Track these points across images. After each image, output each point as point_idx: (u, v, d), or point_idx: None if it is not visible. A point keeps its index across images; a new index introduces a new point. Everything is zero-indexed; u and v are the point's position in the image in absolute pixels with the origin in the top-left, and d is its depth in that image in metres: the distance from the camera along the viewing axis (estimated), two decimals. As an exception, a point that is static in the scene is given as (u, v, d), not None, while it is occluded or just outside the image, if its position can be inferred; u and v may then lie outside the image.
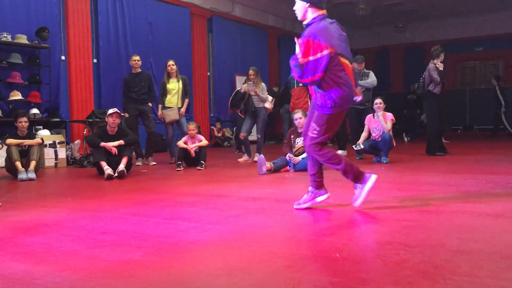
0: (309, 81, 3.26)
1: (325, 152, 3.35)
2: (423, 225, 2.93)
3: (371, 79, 7.80)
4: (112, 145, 6.17)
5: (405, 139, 12.32)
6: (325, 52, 3.16)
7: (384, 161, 6.80)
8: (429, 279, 1.93)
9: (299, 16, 3.40)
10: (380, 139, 6.88)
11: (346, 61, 3.29)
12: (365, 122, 7.20)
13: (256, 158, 7.11)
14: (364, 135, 7.14)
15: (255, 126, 7.78)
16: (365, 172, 3.41)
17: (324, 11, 3.34)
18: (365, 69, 7.94)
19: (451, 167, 6.34)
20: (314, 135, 3.35)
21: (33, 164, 6.15)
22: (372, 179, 3.37)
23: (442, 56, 7.77)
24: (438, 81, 7.57)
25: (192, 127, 7.06)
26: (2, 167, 6.64)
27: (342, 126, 8.53)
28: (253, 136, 8.70)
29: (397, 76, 18.97)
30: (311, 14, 3.32)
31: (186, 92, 7.90)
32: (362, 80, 7.76)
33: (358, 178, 3.38)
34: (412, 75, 18.52)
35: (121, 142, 6.27)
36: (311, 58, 3.19)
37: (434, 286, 1.85)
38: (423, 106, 8.34)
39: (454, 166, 6.39)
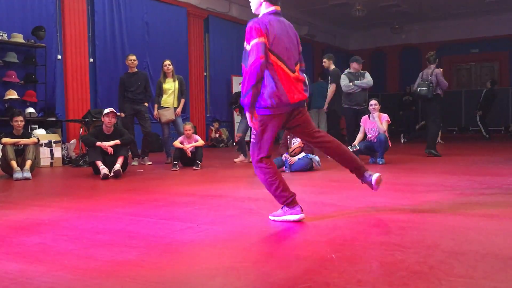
0: (248, 69, 2.94)
1: (269, 169, 3.08)
2: (418, 226, 2.94)
3: (367, 79, 7.83)
4: (108, 144, 6.16)
5: (402, 141, 12.34)
6: (262, 39, 2.93)
7: (380, 162, 6.81)
8: (424, 280, 1.93)
9: (253, 9, 3.26)
10: (375, 140, 6.90)
11: (280, 63, 3.00)
12: (360, 123, 7.22)
13: (252, 159, 7.11)
14: (359, 136, 7.15)
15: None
16: (298, 205, 3.09)
17: (278, 8, 3.18)
18: (361, 70, 7.98)
19: (446, 168, 6.35)
20: (253, 140, 3.12)
21: (28, 163, 6.14)
22: (296, 216, 3.06)
23: (437, 61, 8.06)
24: (447, 85, 7.88)
25: (188, 127, 7.05)
26: (-3, 166, 6.61)
27: (336, 127, 8.52)
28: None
29: (393, 77, 19.06)
30: (265, 8, 3.18)
31: (182, 92, 7.89)
32: (358, 80, 7.79)
33: (291, 203, 3.08)
34: (408, 76, 18.61)
35: (117, 141, 6.26)
36: (252, 42, 2.95)
37: (429, 287, 1.86)
38: (428, 108, 8.36)
39: (450, 167, 6.41)
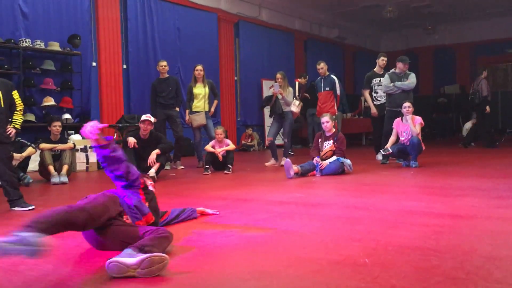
0: None
1: None
2: (454, 230, 2.88)
3: (409, 81, 7.56)
4: (152, 160, 6.09)
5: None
6: None
7: (413, 165, 6.70)
8: (460, 286, 1.89)
9: None
10: (408, 143, 6.79)
11: None
12: (393, 126, 7.11)
13: (283, 162, 7.11)
14: (392, 139, 7.04)
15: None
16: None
17: None
18: (407, 71, 7.73)
19: (482, 171, 6.20)
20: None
21: (65, 168, 6.31)
22: None
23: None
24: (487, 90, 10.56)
25: (219, 131, 7.10)
26: (36, 171, 6.82)
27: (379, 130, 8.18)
28: (280, 140, 8.71)
29: (426, 79, 18.65)
30: None
31: (215, 95, 8.00)
32: (401, 81, 7.56)
33: None
34: (442, 77, 18.23)
35: (158, 151, 6.22)
36: None
37: (466, 293, 1.82)
38: (476, 110, 11.02)
39: (486, 170, 6.25)
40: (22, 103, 4.52)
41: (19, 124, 4.46)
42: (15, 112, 4.42)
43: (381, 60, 8.25)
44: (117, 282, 2.10)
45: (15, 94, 4.40)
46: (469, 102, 11.08)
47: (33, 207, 4.19)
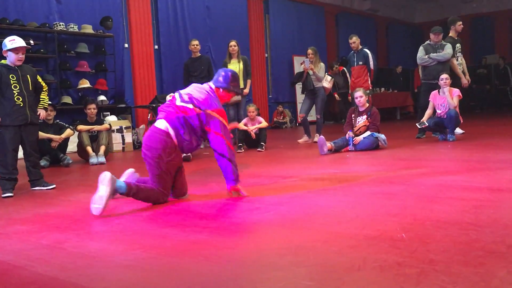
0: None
1: None
2: (493, 204, 2.82)
3: (445, 51, 7.34)
4: None
5: None
6: None
7: (450, 139, 6.54)
8: (501, 260, 1.86)
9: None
10: (445, 116, 6.62)
11: None
12: (429, 99, 6.94)
13: (316, 139, 7.08)
14: (428, 112, 6.88)
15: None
16: None
17: None
18: (442, 41, 7.50)
19: (523, 143, 6.00)
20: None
21: (102, 148, 6.47)
22: None
23: None
24: None
25: (252, 109, 7.11)
26: (75, 152, 7.02)
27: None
28: (313, 117, 8.65)
29: (464, 49, 17.95)
30: None
31: (247, 73, 7.92)
32: (436, 52, 7.36)
33: None
34: (480, 48, 17.58)
35: None
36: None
37: (507, 267, 1.79)
38: None
39: (527, 143, 6.05)
40: (45, 84, 4.68)
41: (46, 103, 4.66)
42: (42, 92, 4.58)
43: (458, 25, 7.94)
44: (160, 259, 2.16)
45: (39, 78, 4.58)
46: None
47: (54, 186, 4.33)
